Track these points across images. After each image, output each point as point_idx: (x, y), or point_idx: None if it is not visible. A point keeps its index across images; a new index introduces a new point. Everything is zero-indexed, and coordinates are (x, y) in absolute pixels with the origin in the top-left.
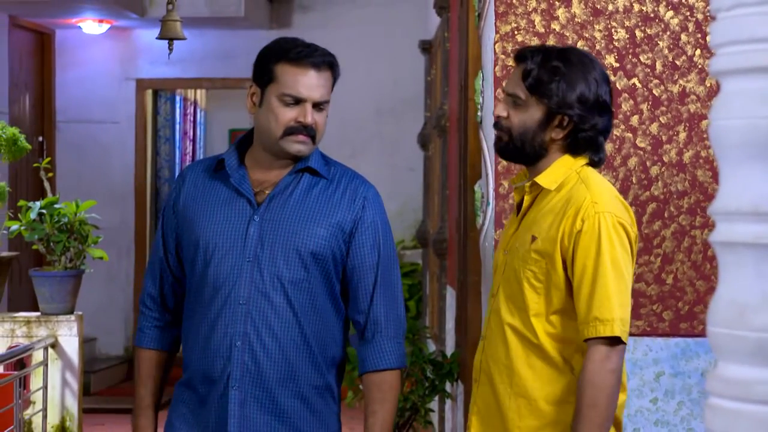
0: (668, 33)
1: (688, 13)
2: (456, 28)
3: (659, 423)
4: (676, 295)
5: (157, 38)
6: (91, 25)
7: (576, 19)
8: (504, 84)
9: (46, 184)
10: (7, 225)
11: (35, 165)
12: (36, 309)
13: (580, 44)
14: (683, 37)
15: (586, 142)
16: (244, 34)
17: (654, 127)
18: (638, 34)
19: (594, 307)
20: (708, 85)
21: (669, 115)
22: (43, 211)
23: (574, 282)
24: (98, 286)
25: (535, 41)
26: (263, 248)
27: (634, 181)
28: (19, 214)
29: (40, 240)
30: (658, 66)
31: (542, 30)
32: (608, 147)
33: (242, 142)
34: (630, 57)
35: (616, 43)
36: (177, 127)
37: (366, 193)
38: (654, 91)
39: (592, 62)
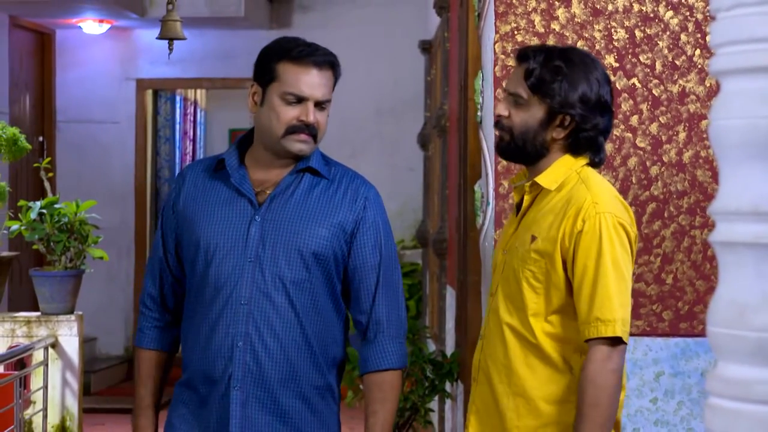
0: (668, 33)
1: (687, 13)
2: (456, 28)
3: (659, 423)
4: (676, 295)
5: (157, 38)
6: (91, 25)
7: (576, 19)
8: (505, 83)
9: (47, 184)
10: (8, 225)
11: (35, 165)
12: (36, 309)
13: (579, 44)
14: (683, 37)
15: (587, 142)
16: (244, 34)
17: (654, 127)
18: (638, 34)
19: (595, 307)
20: (708, 85)
21: (669, 115)
22: (44, 211)
23: (575, 282)
24: (98, 286)
25: (534, 41)
26: (265, 248)
27: (633, 181)
28: (19, 214)
29: (40, 240)
30: (658, 66)
31: (542, 30)
32: (608, 147)
33: (242, 141)
34: (630, 57)
35: (615, 43)
36: (177, 127)
37: (367, 194)
38: (654, 91)
39: (594, 62)
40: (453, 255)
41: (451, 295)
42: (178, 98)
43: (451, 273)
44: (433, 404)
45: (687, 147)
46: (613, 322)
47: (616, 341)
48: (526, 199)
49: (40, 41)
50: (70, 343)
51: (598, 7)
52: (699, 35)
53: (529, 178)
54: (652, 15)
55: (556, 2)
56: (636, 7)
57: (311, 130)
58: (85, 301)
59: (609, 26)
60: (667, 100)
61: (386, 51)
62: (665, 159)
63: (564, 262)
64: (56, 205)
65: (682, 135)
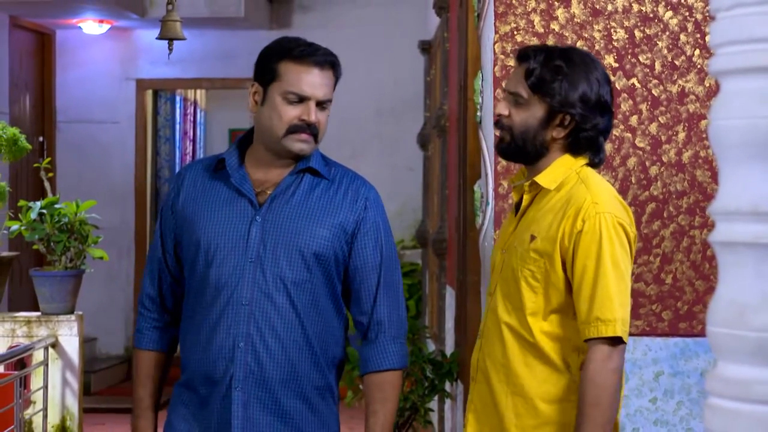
0: (667, 33)
1: (687, 14)
2: (455, 28)
3: (658, 422)
4: (676, 294)
5: (157, 38)
6: (91, 26)
7: (575, 20)
8: (505, 83)
9: (47, 184)
10: (8, 225)
11: (35, 165)
12: (36, 309)
13: (579, 44)
14: (682, 37)
15: (587, 142)
16: (244, 34)
17: (653, 127)
18: (637, 34)
19: (595, 307)
20: (707, 85)
21: (668, 115)
22: (44, 211)
23: (575, 282)
24: (98, 286)
25: (534, 41)
26: (266, 249)
27: (633, 181)
28: (19, 214)
29: (40, 240)
30: (657, 66)
31: (541, 30)
32: (607, 147)
33: (242, 141)
34: (629, 57)
35: (615, 43)
36: (177, 127)
37: (367, 194)
38: (653, 91)
39: (594, 62)
40: (452, 255)
41: (450, 295)
42: (178, 98)
43: (450, 273)
44: (433, 404)
45: (686, 147)
46: (613, 322)
47: (616, 341)
48: (526, 198)
49: (41, 41)
50: (71, 343)
51: (598, 7)
52: (698, 35)
53: (529, 177)
54: (651, 15)
55: (556, 2)
56: (635, 7)
57: (312, 130)
58: (86, 301)
59: (608, 26)
60: (667, 100)
61: (386, 51)
62: (665, 159)
63: (563, 262)
64: (56, 205)
65: (682, 135)
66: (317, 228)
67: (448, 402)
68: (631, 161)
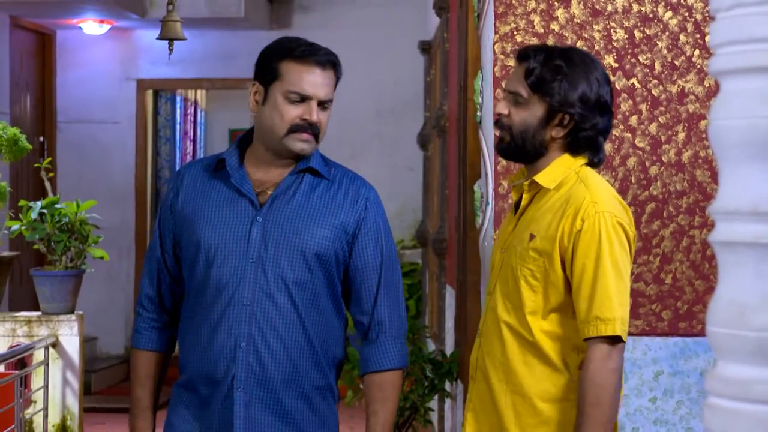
0: (667, 33)
1: (686, 14)
2: (455, 28)
3: (658, 422)
4: (675, 294)
5: (157, 39)
6: (91, 26)
7: (575, 20)
8: (505, 83)
9: (47, 184)
10: (8, 225)
11: (36, 165)
12: (37, 308)
13: (579, 44)
14: (682, 37)
15: (587, 142)
16: (244, 34)
17: (653, 127)
18: (637, 34)
19: (595, 306)
20: (707, 85)
21: (668, 115)
22: (44, 210)
23: (574, 281)
24: (99, 286)
25: (534, 42)
26: (267, 249)
27: (633, 180)
28: (20, 214)
29: (41, 240)
30: (657, 66)
31: (541, 30)
32: (607, 147)
33: (242, 141)
34: (629, 57)
35: (615, 44)
36: (177, 127)
37: (368, 194)
38: (653, 92)
39: (594, 62)
40: (452, 255)
41: (450, 295)
42: (178, 98)
43: (450, 272)
44: (433, 403)
45: (686, 147)
46: (612, 321)
47: (615, 340)
48: (525, 197)
49: (41, 41)
50: (71, 343)
51: (598, 7)
52: (698, 35)
53: (528, 176)
54: (651, 15)
55: (556, 3)
56: (635, 7)
57: (314, 130)
58: (86, 301)
59: (608, 27)
60: (667, 101)
61: (386, 51)
62: (664, 159)
63: (563, 261)
64: (57, 205)
65: (681, 135)
66: (318, 228)
67: (448, 401)
68: (631, 161)
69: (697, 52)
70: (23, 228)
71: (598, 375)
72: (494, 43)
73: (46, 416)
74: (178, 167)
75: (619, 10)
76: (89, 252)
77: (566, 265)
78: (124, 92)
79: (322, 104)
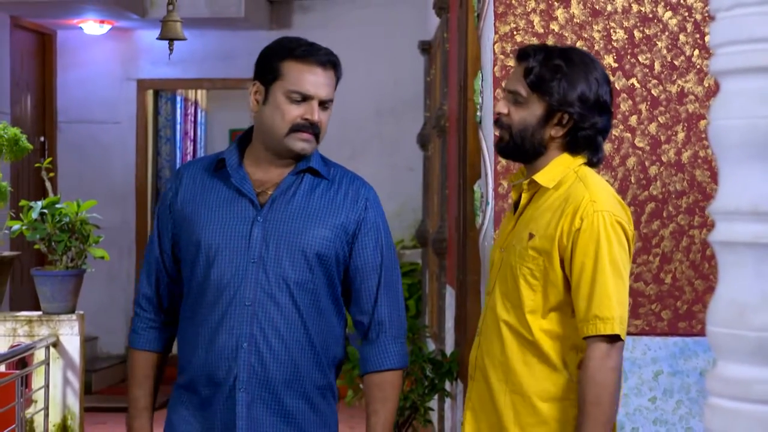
0: (667, 33)
1: (686, 14)
2: (455, 28)
3: (658, 422)
4: (675, 294)
5: (157, 39)
6: (92, 26)
7: (575, 20)
8: (504, 83)
9: (48, 184)
10: (9, 225)
11: (37, 165)
12: (38, 308)
13: (578, 45)
14: (681, 37)
15: (585, 141)
16: (244, 34)
17: (653, 127)
18: (637, 34)
19: (594, 305)
20: (706, 85)
21: (667, 115)
22: (45, 210)
23: (573, 280)
24: (99, 286)
25: (534, 42)
26: (268, 249)
27: (632, 180)
28: (20, 214)
29: (41, 239)
30: (657, 66)
31: (541, 30)
32: (607, 147)
33: (241, 140)
34: (628, 57)
35: (614, 44)
36: (178, 127)
37: (367, 195)
38: (652, 92)
39: (593, 62)
40: (452, 254)
41: (450, 295)
42: (178, 98)
43: (450, 272)
44: (433, 403)
45: (686, 147)
46: (611, 320)
47: (614, 339)
48: (524, 197)
49: (42, 42)
50: (72, 343)
51: (597, 7)
52: (698, 35)
53: (527, 176)
54: (650, 15)
55: (555, 3)
56: (635, 7)
57: (314, 129)
58: (87, 301)
59: (608, 27)
60: (666, 101)
61: (386, 51)
62: (664, 159)
63: (562, 260)
64: (57, 205)
65: (681, 135)
66: (319, 228)
67: (448, 401)
68: (631, 161)
69: (696, 52)
70: (24, 228)
71: (598, 373)
72: (494, 43)
73: (46, 416)
74: (178, 167)
75: (619, 10)
76: (90, 252)
77: (565, 264)
78: (124, 92)
79: (323, 104)
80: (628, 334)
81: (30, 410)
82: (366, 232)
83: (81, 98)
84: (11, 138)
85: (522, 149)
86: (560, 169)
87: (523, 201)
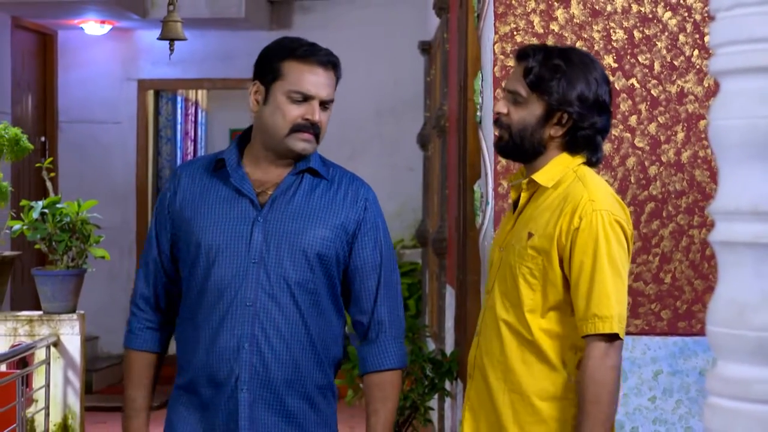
0: (666, 33)
1: (686, 14)
2: (455, 28)
3: (657, 421)
4: (675, 294)
5: (158, 39)
6: (93, 26)
7: (575, 20)
8: (504, 82)
9: (48, 184)
10: (10, 224)
11: (37, 165)
12: (38, 308)
13: (578, 45)
14: (681, 37)
15: (585, 141)
16: (244, 35)
17: (652, 127)
18: (636, 34)
19: (593, 304)
20: (706, 85)
21: (667, 115)
22: (46, 210)
23: (572, 279)
24: (100, 285)
25: (534, 42)
26: (269, 250)
27: (632, 180)
28: (21, 214)
29: (42, 239)
30: (657, 66)
31: (541, 31)
32: (607, 147)
33: (241, 140)
34: (628, 57)
35: (614, 44)
36: (178, 127)
37: (367, 195)
38: (652, 92)
39: (593, 62)
40: (452, 254)
41: (450, 294)
42: (179, 99)
43: (450, 272)
44: (433, 403)
45: (685, 147)
46: (610, 319)
47: (613, 337)
48: (523, 196)
49: (42, 42)
50: (72, 342)
51: (597, 7)
52: (697, 36)
53: (527, 175)
54: (650, 16)
55: (555, 3)
56: (635, 7)
57: (315, 129)
58: (87, 300)
59: (608, 27)
60: (666, 101)
61: (386, 52)
62: (664, 159)
63: (561, 259)
64: (58, 205)
65: (681, 135)
66: (320, 228)
67: (448, 400)
68: (631, 161)
69: (696, 52)
70: (25, 228)
71: (597, 372)
72: (494, 44)
73: (47, 415)
74: (175, 167)
75: (619, 10)
76: (90, 251)
77: (564, 263)
78: (125, 92)
79: (324, 104)
80: (628, 333)
81: (31, 410)
82: (365, 232)
83: (82, 98)
84: (12, 138)
85: (521, 149)
86: (559, 169)
87: (522, 200)
